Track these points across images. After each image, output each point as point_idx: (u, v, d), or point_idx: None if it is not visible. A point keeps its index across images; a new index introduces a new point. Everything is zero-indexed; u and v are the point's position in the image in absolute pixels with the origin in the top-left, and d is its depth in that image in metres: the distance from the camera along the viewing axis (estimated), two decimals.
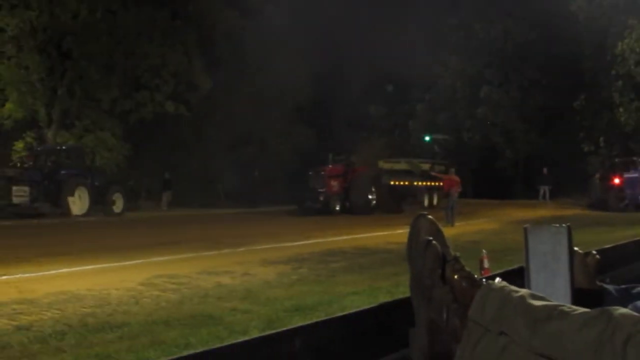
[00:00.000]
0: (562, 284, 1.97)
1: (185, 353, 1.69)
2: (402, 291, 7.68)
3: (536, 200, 40.93)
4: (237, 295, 10.60)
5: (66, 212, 29.50)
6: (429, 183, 39.78)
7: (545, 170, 41.56)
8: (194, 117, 41.52)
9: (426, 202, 39.05)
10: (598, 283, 2.25)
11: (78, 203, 30.14)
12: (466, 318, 1.55)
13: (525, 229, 2.02)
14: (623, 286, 2.24)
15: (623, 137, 45.75)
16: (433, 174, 32.05)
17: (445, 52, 53.77)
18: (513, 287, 1.53)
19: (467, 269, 1.71)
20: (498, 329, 1.46)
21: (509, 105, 51.86)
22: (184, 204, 37.68)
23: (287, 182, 41.30)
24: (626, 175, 36.55)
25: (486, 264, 10.05)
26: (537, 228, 2.02)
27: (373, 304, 2.25)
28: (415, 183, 38.97)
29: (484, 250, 10.44)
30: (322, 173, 34.76)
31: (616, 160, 40.52)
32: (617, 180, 37.25)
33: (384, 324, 2.09)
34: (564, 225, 2.00)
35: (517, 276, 2.10)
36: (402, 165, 40.29)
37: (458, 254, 1.74)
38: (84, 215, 29.92)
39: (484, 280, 1.68)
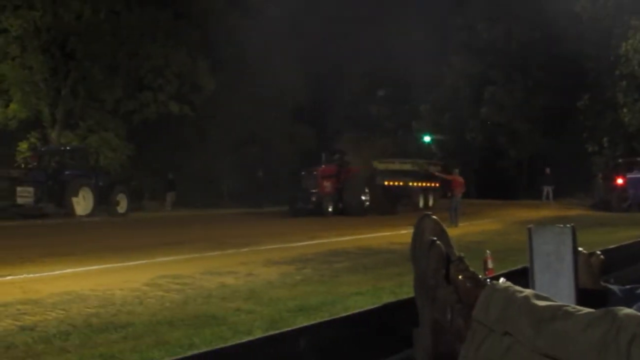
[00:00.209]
0: (566, 284, 1.97)
1: (189, 353, 1.69)
2: (406, 291, 7.68)
3: (539, 201, 40.83)
4: (241, 295, 10.61)
5: (70, 212, 29.52)
6: (424, 184, 39.33)
7: (547, 170, 41.43)
8: (197, 118, 41.54)
9: (421, 203, 38.62)
10: (602, 283, 2.25)
11: (82, 203, 30.16)
12: (470, 318, 1.55)
13: (530, 229, 2.02)
14: (627, 286, 2.24)
15: (627, 137, 45.67)
16: (437, 174, 31.58)
17: (448, 52, 53.76)
18: (517, 288, 1.53)
19: (471, 269, 1.71)
20: (502, 329, 1.46)
21: (512, 106, 51.82)
22: (188, 204, 37.69)
23: (290, 182, 41.18)
24: (629, 176, 36.51)
25: (490, 264, 10.05)
26: (541, 228, 2.02)
27: (377, 304, 2.26)
28: (410, 184, 38.46)
29: (487, 251, 10.45)
30: (315, 173, 34.12)
31: (619, 160, 40.47)
32: (620, 181, 37.20)
33: (388, 324, 2.10)
34: (568, 225, 2.00)
35: (521, 276, 2.10)
36: (396, 166, 39.90)
37: (462, 254, 1.74)
38: (88, 215, 29.94)
39: (488, 280, 1.68)
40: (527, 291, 1.51)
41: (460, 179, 27.72)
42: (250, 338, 1.88)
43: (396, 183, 37.37)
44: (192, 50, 40.47)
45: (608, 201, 36.94)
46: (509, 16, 50.95)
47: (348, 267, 14.20)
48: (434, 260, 1.72)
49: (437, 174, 31.25)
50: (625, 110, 44.36)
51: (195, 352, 1.79)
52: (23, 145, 37.68)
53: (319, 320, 2.11)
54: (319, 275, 12.95)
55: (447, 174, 30.28)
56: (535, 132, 51.90)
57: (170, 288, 11.25)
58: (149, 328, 8.33)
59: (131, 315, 9.11)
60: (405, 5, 48.20)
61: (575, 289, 1.96)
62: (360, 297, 10.21)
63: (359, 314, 2.13)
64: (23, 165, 34.22)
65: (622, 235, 16.22)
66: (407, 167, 40.07)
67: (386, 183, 36.46)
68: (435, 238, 1.75)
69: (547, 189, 41.32)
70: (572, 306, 1.42)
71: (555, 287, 1.95)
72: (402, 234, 19.85)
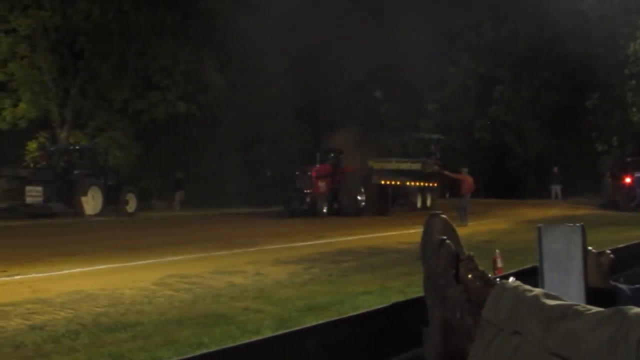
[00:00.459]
0: (575, 283, 1.97)
1: (198, 352, 1.70)
2: (414, 291, 7.68)
3: (547, 200, 40.74)
4: (250, 294, 10.62)
5: (79, 212, 29.55)
6: (421, 183, 38.69)
7: (555, 169, 41.33)
8: (205, 117, 41.56)
9: (419, 203, 38.04)
10: (612, 282, 2.26)
11: (91, 203, 30.19)
12: (480, 317, 1.56)
13: (539, 228, 2.02)
14: (637, 285, 2.24)
15: (636, 136, 45.61)
16: (447, 173, 31.10)
17: (456, 52, 53.73)
18: (527, 287, 1.53)
19: (481, 268, 1.71)
20: (512, 328, 1.46)
21: (520, 105, 51.79)
22: (196, 203, 37.68)
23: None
24: (637, 175, 36.45)
25: (499, 263, 10.06)
26: (550, 227, 2.02)
27: (385, 303, 2.26)
28: (408, 183, 37.73)
29: (497, 250, 10.46)
30: (309, 173, 33.26)
31: (628, 159, 40.39)
32: (628, 180, 37.12)
33: (397, 323, 2.10)
34: (577, 224, 2.00)
35: (531, 275, 2.10)
36: (392, 165, 39.25)
37: (471, 253, 1.74)
38: (96, 215, 29.96)
39: (497, 279, 1.68)
40: (537, 290, 1.51)
41: (469, 178, 27.61)
42: (259, 337, 1.88)
43: (393, 182, 36.60)
44: (200, 50, 40.50)
45: (616, 200, 36.85)
46: (516, 15, 50.91)
47: (356, 266, 14.20)
48: (444, 260, 1.72)
49: (446, 173, 30.75)
50: (634, 109, 44.35)
51: (205, 351, 1.80)
52: (32, 145, 37.80)
53: (327, 319, 2.11)
54: (327, 274, 12.95)
55: (454, 173, 29.92)
56: (543, 131, 51.85)
57: (179, 287, 11.26)
58: (158, 327, 8.34)
59: (140, 314, 9.12)
60: (411, 5, 48.10)
61: (584, 288, 1.97)
62: (368, 296, 10.21)
63: (369, 313, 2.14)
64: (32, 165, 34.29)
65: (630, 235, 16.21)
66: (405, 166, 39.38)
67: (382, 182, 35.64)
68: (444, 237, 1.75)
69: (556, 189, 41.23)
70: (582, 305, 1.42)
71: (564, 286, 1.95)
72: (409, 234, 19.85)
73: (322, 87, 47.34)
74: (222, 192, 41.94)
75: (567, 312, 1.39)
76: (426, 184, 39.00)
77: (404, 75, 50.74)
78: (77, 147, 34.18)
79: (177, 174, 39.01)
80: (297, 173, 33.47)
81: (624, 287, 2.22)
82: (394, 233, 22.24)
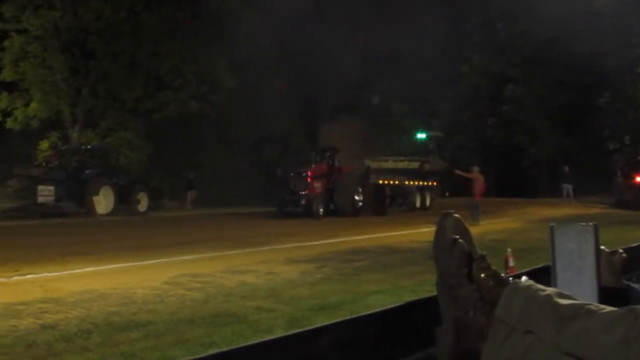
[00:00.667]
0: (588, 282, 1.97)
1: (210, 352, 1.70)
2: (427, 290, 7.67)
3: (559, 199, 40.66)
4: (261, 294, 10.62)
5: (91, 211, 29.59)
6: (420, 182, 37.72)
7: (567, 168, 41.21)
8: (216, 117, 41.61)
9: (418, 203, 37.24)
10: (624, 282, 2.25)
11: (103, 202, 30.22)
12: (492, 316, 1.56)
13: (552, 228, 2.02)
14: None
15: None
16: (458, 172, 30.65)
17: (468, 50, 53.68)
18: (539, 286, 1.53)
19: (493, 267, 1.71)
20: (524, 327, 1.46)
21: (532, 104, 51.68)
22: (208, 203, 37.70)
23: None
24: None
25: (511, 263, 10.06)
26: (563, 226, 2.02)
27: (397, 302, 2.26)
28: (406, 182, 36.79)
29: (509, 249, 10.44)
30: (304, 174, 32.02)
31: (639, 158, 40.24)
32: (639, 179, 36.99)
33: (410, 322, 2.10)
34: (590, 223, 2.00)
35: (544, 274, 2.10)
36: (389, 164, 38.54)
37: (484, 252, 1.74)
38: (108, 214, 30.01)
39: (510, 278, 1.68)
40: (550, 289, 1.51)
41: (481, 177, 27.50)
42: (272, 337, 1.89)
43: (391, 182, 35.75)
44: (211, 49, 40.54)
45: (627, 199, 36.69)
46: (528, 13, 50.77)
47: (368, 265, 14.18)
48: (456, 259, 1.72)
49: (458, 172, 30.37)
50: None
51: (217, 350, 1.80)
52: (44, 144, 37.88)
53: (340, 319, 2.11)
54: (339, 273, 12.94)
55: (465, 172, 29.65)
56: (554, 130, 51.71)
57: (190, 286, 11.27)
58: (170, 326, 8.35)
59: (152, 313, 9.13)
60: (423, 4, 48.07)
61: (597, 287, 1.97)
62: (380, 295, 10.20)
63: (382, 312, 2.14)
64: (44, 164, 34.34)
65: None
66: (402, 165, 38.71)
67: (380, 182, 34.86)
68: (457, 236, 1.76)
69: (567, 187, 41.14)
70: (595, 305, 1.42)
71: (577, 285, 1.95)
72: (422, 233, 19.85)
73: (330, 86, 47.26)
74: (233, 191, 41.97)
75: (579, 312, 1.39)
76: (425, 183, 38.18)
77: (415, 73, 50.66)
78: (88, 147, 34.24)
79: (190, 173, 39.05)
80: (291, 174, 32.30)
81: (636, 286, 2.22)
82: (406, 232, 22.23)
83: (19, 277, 12.22)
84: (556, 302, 1.44)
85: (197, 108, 39.90)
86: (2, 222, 25.87)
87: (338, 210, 31.98)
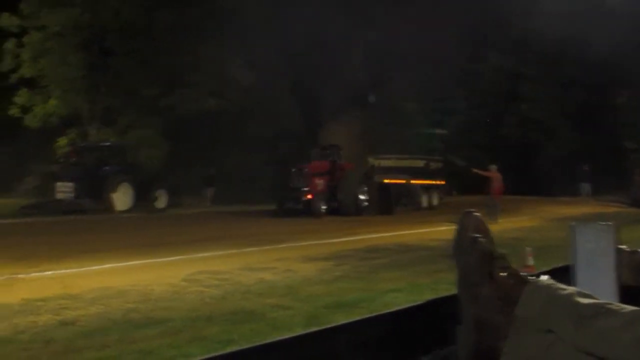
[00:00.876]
0: (608, 281, 1.97)
1: (229, 350, 1.72)
2: (444, 288, 7.67)
3: (577, 197, 40.50)
4: (279, 291, 10.63)
5: (109, 208, 29.65)
6: (427, 181, 36.92)
7: (585, 167, 41.02)
8: (235, 113, 41.61)
9: (424, 203, 36.48)
10: None
11: (121, 199, 30.28)
12: (513, 315, 1.56)
13: (572, 227, 2.03)
14: None
15: None
16: (476, 170, 30.30)
17: (484, 48, 53.49)
18: (560, 285, 1.54)
19: (513, 266, 1.72)
20: (545, 326, 1.47)
21: (549, 102, 51.48)
22: (226, 200, 37.71)
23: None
24: None
25: (530, 261, 10.02)
26: (583, 225, 2.03)
27: (415, 301, 2.27)
28: (412, 181, 35.89)
29: (528, 248, 10.41)
30: (306, 171, 31.33)
31: None
32: None
33: (431, 320, 2.11)
34: (609, 223, 2.00)
35: (564, 273, 2.10)
36: (391, 162, 37.74)
37: (504, 251, 1.75)
38: (127, 211, 30.06)
39: (530, 277, 1.68)
40: (570, 288, 1.52)
41: (499, 176, 27.41)
42: (292, 335, 1.90)
43: (396, 181, 34.83)
44: (229, 46, 40.53)
45: None
46: (543, 11, 50.54)
47: (385, 263, 14.17)
48: (477, 258, 1.73)
49: (475, 170, 30.06)
50: None
51: (236, 348, 1.81)
52: (62, 141, 38.02)
53: (358, 317, 2.12)
54: (356, 271, 12.94)
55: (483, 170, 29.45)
56: (572, 128, 51.50)
57: (208, 284, 11.29)
58: (187, 323, 8.38)
59: (170, 310, 9.16)
60: (437, 2, 47.92)
61: (617, 286, 1.97)
62: (398, 293, 10.20)
63: (403, 310, 2.15)
64: (62, 161, 34.44)
65: None
66: (407, 163, 37.97)
67: (385, 181, 33.90)
68: (478, 235, 1.76)
69: (585, 186, 40.97)
70: (615, 304, 1.42)
71: (597, 284, 1.95)
72: (439, 231, 19.83)
73: (339, 83, 47.18)
74: (251, 188, 41.98)
75: (600, 311, 1.39)
76: (432, 182, 37.47)
77: (429, 71, 50.50)
78: (107, 144, 34.31)
79: (210, 170, 39.08)
80: (292, 170, 31.86)
81: None
82: (424, 230, 22.21)
83: (38, 274, 12.29)
84: (577, 301, 1.45)
85: (215, 104, 39.88)
86: (21, 219, 26.00)
87: (341, 209, 31.12)
